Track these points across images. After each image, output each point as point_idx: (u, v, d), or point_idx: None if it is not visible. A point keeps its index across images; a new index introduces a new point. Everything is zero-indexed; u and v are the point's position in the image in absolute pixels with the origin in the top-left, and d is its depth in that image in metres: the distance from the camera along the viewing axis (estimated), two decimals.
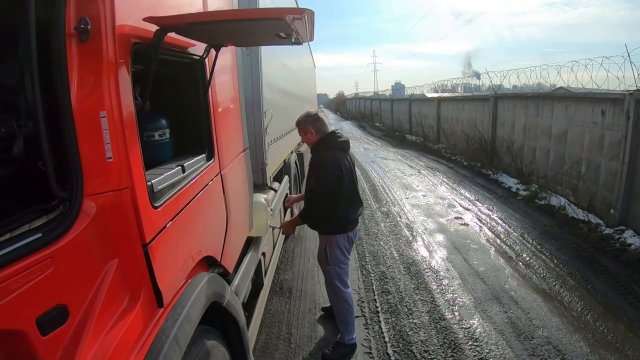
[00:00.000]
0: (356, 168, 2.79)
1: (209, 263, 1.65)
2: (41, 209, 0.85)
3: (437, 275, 3.84)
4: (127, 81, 1.00)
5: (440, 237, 4.85)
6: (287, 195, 3.03)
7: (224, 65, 1.90)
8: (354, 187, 2.65)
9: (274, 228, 3.09)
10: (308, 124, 2.61)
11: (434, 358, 2.67)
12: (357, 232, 2.77)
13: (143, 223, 1.02)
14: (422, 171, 9.05)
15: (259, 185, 2.78)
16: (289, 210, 4.21)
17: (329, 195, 2.51)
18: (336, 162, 2.52)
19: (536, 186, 6.57)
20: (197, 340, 1.30)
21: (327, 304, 3.12)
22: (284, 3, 4.32)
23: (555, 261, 4.09)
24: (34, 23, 0.77)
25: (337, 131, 2.67)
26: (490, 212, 5.79)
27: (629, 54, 5.12)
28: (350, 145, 2.74)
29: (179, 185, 1.30)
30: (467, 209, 5.97)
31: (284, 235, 3.10)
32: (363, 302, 3.35)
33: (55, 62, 0.84)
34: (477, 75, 16.00)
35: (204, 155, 1.59)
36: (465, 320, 3.07)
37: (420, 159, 10.73)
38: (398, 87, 48.42)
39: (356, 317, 2.97)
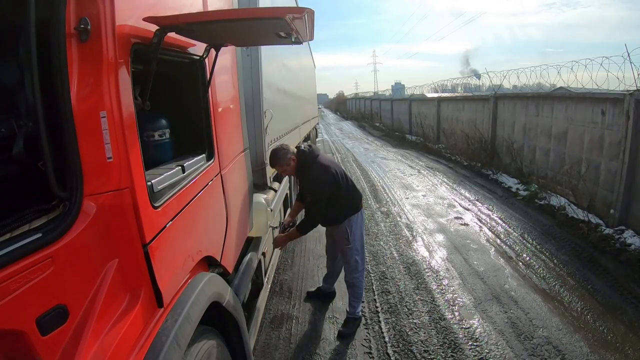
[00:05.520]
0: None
1: (209, 263, 1.65)
2: (41, 209, 0.85)
3: (437, 275, 3.84)
4: (127, 81, 1.00)
5: (440, 237, 4.85)
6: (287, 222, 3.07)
7: (224, 65, 1.90)
8: (345, 175, 2.90)
9: (274, 228, 3.09)
10: (286, 155, 2.71)
11: (434, 358, 2.67)
12: (364, 211, 3.06)
13: (143, 223, 1.02)
14: (422, 171, 9.05)
15: (259, 185, 2.78)
16: (288, 209, 4.20)
17: (329, 199, 2.73)
18: (325, 169, 2.74)
19: (536, 186, 6.56)
20: (197, 340, 1.30)
21: (313, 289, 3.54)
22: (283, 2, 4.32)
23: (555, 261, 4.09)
24: (34, 23, 0.77)
25: (300, 146, 2.84)
26: (490, 212, 5.79)
27: (629, 54, 5.12)
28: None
29: (179, 185, 1.31)
30: (467, 209, 5.97)
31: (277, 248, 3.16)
32: (363, 302, 3.34)
33: (55, 62, 0.83)
34: (477, 75, 16.01)
35: (204, 155, 1.59)
36: (465, 320, 3.07)
37: (420, 159, 10.73)
38: (398, 87, 48.44)
39: (356, 317, 3.06)
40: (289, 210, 4.19)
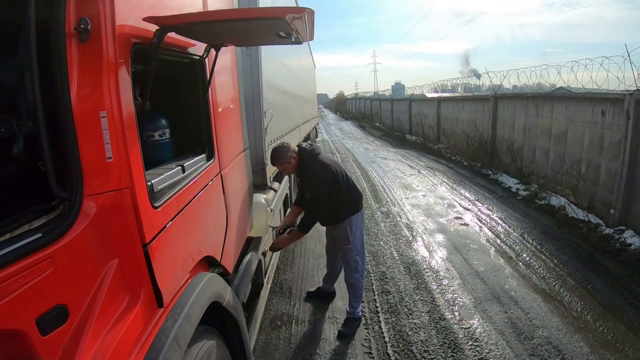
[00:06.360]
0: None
1: (209, 263, 1.65)
2: (41, 209, 0.85)
3: (437, 275, 3.84)
4: (127, 81, 1.00)
5: (440, 237, 4.85)
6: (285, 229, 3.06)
7: (224, 65, 1.90)
8: (346, 174, 2.90)
9: (274, 228, 3.09)
10: (287, 153, 2.72)
11: (434, 358, 2.67)
12: (364, 211, 3.06)
13: (143, 223, 1.02)
14: (422, 171, 9.05)
15: (259, 185, 2.78)
16: (288, 209, 4.20)
17: (329, 198, 2.73)
18: (325, 167, 2.74)
19: (536, 186, 6.56)
20: (197, 340, 1.30)
21: (313, 289, 3.54)
22: (283, 2, 4.32)
23: (555, 261, 4.09)
24: (34, 23, 0.77)
25: (301, 144, 2.83)
26: (490, 212, 5.79)
27: (629, 54, 5.13)
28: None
29: (179, 185, 1.30)
30: (467, 209, 5.97)
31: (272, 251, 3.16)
32: (363, 302, 3.34)
33: (55, 62, 0.83)
34: (477, 75, 16.03)
35: (204, 155, 1.59)
36: (465, 320, 3.07)
37: (420, 159, 10.73)
38: (398, 87, 48.48)
39: (356, 317, 3.06)
40: (288, 211, 4.19)
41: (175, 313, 1.17)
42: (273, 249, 2.98)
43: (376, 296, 3.48)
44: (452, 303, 3.33)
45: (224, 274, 1.83)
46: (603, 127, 5.18)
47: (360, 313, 3.08)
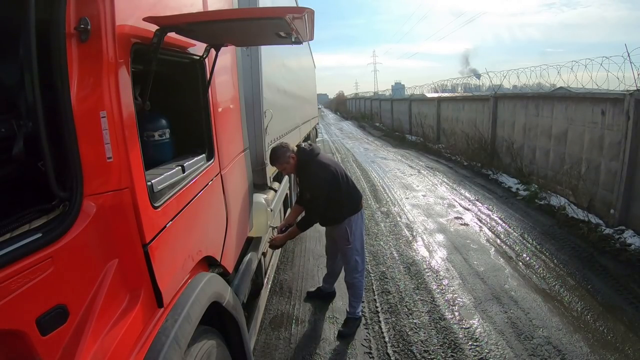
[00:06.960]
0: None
1: (209, 263, 1.65)
2: (41, 209, 0.85)
3: (437, 275, 3.84)
4: (127, 81, 1.00)
5: (440, 237, 4.85)
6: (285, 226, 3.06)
7: (224, 65, 1.90)
8: (345, 174, 2.91)
9: (274, 228, 3.09)
10: (286, 152, 2.72)
11: (434, 358, 2.67)
12: (364, 211, 3.06)
13: (143, 223, 1.02)
14: (422, 171, 9.04)
15: (259, 185, 2.78)
16: (288, 209, 4.20)
17: (328, 197, 2.73)
18: (325, 167, 2.75)
19: (536, 186, 6.56)
20: (197, 340, 1.30)
21: (313, 289, 3.54)
22: (283, 2, 4.32)
23: (555, 261, 4.09)
24: (34, 23, 0.77)
25: (301, 145, 2.84)
26: (490, 212, 5.79)
27: (629, 54, 5.13)
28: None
29: (179, 185, 1.31)
30: (467, 209, 5.97)
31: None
32: (363, 302, 3.34)
33: (55, 62, 0.84)
34: (477, 75, 16.03)
35: (204, 155, 1.59)
36: (465, 320, 3.07)
37: (420, 159, 10.73)
38: (398, 87, 48.50)
39: (356, 317, 3.06)
40: (288, 211, 4.19)
41: (175, 313, 1.17)
42: (272, 246, 2.99)
43: (376, 296, 3.48)
44: (452, 303, 3.33)
45: (224, 274, 1.83)
46: (603, 127, 5.19)
47: (360, 313, 3.07)
